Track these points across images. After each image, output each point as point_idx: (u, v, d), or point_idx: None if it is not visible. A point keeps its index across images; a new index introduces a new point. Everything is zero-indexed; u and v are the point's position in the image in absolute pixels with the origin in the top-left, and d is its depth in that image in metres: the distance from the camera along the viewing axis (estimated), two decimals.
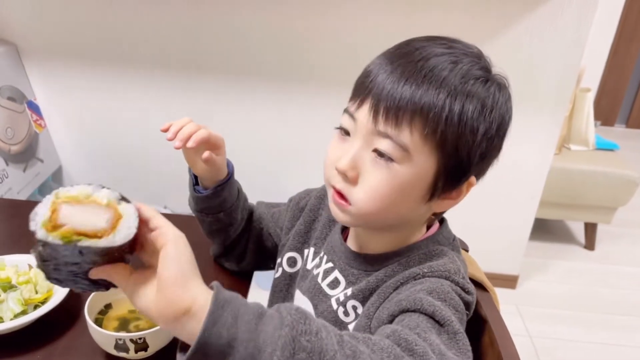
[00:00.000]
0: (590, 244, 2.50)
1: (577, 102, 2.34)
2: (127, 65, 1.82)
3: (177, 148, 0.72)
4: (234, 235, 0.85)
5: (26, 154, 1.82)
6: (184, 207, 1.06)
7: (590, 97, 2.35)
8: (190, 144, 0.71)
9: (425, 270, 0.61)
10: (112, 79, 1.85)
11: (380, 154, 0.59)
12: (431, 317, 0.55)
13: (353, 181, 0.61)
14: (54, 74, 1.85)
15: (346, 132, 0.62)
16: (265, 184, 1.60)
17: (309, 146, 1.82)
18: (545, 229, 2.59)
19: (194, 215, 0.86)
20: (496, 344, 0.62)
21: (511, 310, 2.08)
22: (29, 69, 1.85)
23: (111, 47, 1.79)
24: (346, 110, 0.63)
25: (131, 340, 0.65)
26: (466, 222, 1.94)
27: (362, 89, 0.61)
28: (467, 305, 0.61)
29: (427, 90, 0.56)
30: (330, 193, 0.65)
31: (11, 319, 0.70)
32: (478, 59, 0.61)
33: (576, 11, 1.62)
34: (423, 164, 0.59)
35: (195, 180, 0.81)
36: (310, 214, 0.81)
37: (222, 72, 1.79)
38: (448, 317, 0.55)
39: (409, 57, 0.59)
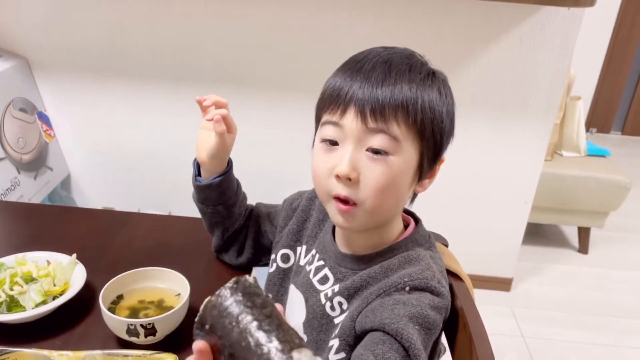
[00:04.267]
0: (583, 248, 2.56)
1: (568, 109, 2.41)
2: (133, 77, 1.90)
3: (209, 120, 0.82)
4: (232, 229, 0.92)
5: (37, 163, 1.90)
6: (188, 213, 1.14)
7: (581, 105, 2.42)
8: (208, 116, 0.81)
9: (406, 280, 0.68)
10: (119, 90, 1.92)
11: (375, 151, 0.66)
12: (406, 350, 0.62)
13: (355, 182, 0.67)
14: (63, 86, 1.93)
15: (332, 143, 0.69)
16: (262, 187, 1.67)
17: (301, 151, 1.90)
18: (539, 234, 2.66)
19: (195, 217, 0.93)
20: (468, 327, 0.69)
21: (505, 312, 2.14)
22: (39, 81, 1.93)
23: (118, 60, 1.86)
24: (326, 122, 0.69)
25: (141, 325, 0.72)
26: (461, 226, 2.02)
27: (339, 99, 0.67)
28: (445, 310, 0.70)
29: (402, 88, 0.66)
30: (333, 206, 0.69)
31: (33, 308, 0.77)
32: (418, 57, 0.72)
33: (563, 21, 1.69)
34: (410, 151, 0.67)
35: (198, 173, 0.89)
36: (302, 214, 0.89)
37: (227, 82, 1.86)
38: (419, 353, 0.63)
39: (372, 64, 0.68)
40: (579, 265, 2.48)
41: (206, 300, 0.46)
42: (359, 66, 0.68)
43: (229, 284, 0.46)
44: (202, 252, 0.99)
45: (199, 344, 0.45)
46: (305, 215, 0.88)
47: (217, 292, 0.46)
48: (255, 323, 0.42)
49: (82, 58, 1.88)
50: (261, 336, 0.42)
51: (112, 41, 1.84)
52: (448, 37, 1.74)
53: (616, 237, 2.70)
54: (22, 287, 0.78)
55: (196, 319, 0.46)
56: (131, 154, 2.04)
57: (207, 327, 0.45)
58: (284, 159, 1.94)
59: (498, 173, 1.97)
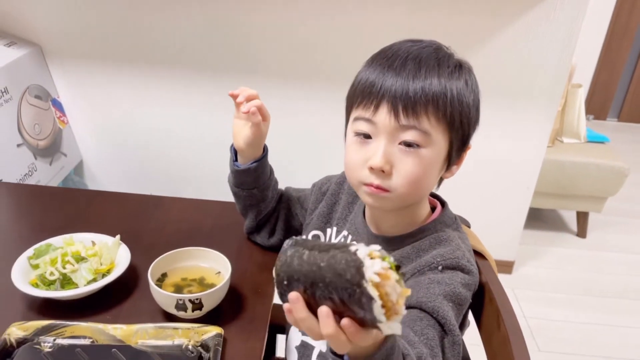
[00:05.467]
0: (582, 232, 2.63)
1: (569, 97, 2.46)
2: (145, 64, 1.93)
3: (245, 112, 0.84)
4: (265, 211, 0.97)
5: (52, 149, 1.93)
6: (198, 196, 1.19)
7: (582, 92, 2.47)
8: (244, 109, 0.84)
9: (439, 260, 0.74)
10: (130, 77, 1.96)
11: (408, 144, 0.71)
12: (442, 325, 0.68)
13: (388, 174, 0.72)
14: (76, 73, 1.96)
15: (365, 136, 0.73)
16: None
17: (318, 139, 1.95)
18: (539, 218, 2.73)
19: (223, 200, 0.97)
20: (494, 302, 0.75)
21: (507, 294, 2.20)
22: (53, 69, 1.95)
23: (130, 47, 1.90)
24: (360, 118, 0.73)
25: (190, 300, 0.77)
26: (466, 211, 2.07)
27: (372, 96, 0.71)
28: (474, 286, 0.76)
29: (432, 82, 0.70)
30: (366, 190, 0.74)
31: (84, 285, 0.82)
32: (445, 49, 0.76)
33: (568, 11, 1.73)
34: (440, 142, 0.72)
35: (235, 158, 0.93)
36: (332, 198, 0.94)
37: (236, 71, 1.90)
38: (454, 328, 0.69)
39: (403, 60, 0.71)
40: (578, 248, 2.56)
41: (274, 266, 0.52)
42: (390, 62, 0.72)
43: (287, 243, 0.53)
44: (233, 233, 1.04)
45: (292, 295, 0.50)
46: (335, 198, 0.93)
47: (278, 256, 0.52)
48: (315, 251, 0.49)
49: (95, 45, 1.91)
50: (323, 253, 0.48)
51: (125, 28, 1.86)
52: (455, 24, 1.78)
53: (614, 222, 2.78)
54: (73, 265, 0.83)
55: (275, 285, 0.52)
56: (142, 139, 2.08)
57: (285, 283, 0.51)
58: (296, 145, 1.99)
59: (502, 159, 2.03)
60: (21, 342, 0.75)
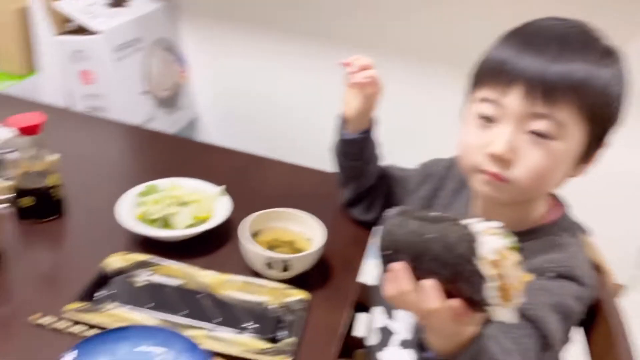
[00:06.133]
0: None
1: None
2: (275, 31, 1.94)
3: (354, 85, 0.82)
4: (367, 184, 0.94)
5: (171, 101, 2.03)
6: (311, 164, 1.18)
7: None
8: (357, 79, 0.81)
9: (551, 265, 0.66)
10: (258, 42, 1.97)
11: (538, 134, 0.63)
12: (544, 337, 0.61)
13: (508, 163, 0.64)
14: (204, 32, 2.03)
15: (489, 120, 0.66)
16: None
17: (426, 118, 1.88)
18: None
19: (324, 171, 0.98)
20: (607, 321, 0.67)
21: None
22: (184, 25, 2.04)
23: (263, 13, 1.91)
24: (486, 99, 0.66)
25: (281, 260, 0.77)
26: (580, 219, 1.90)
27: (503, 76, 0.64)
28: (587, 300, 0.68)
29: (576, 67, 0.61)
30: (481, 178, 0.67)
31: (183, 229, 0.85)
32: (594, 31, 0.66)
33: None
34: (576, 136, 0.64)
35: (342, 127, 0.91)
36: (437, 182, 0.89)
37: (363, 44, 1.86)
38: (556, 343, 0.62)
39: (544, 39, 0.63)
40: None
41: (380, 234, 0.49)
42: (528, 40, 0.64)
43: (392, 211, 0.50)
44: (329, 204, 1.01)
45: (397, 265, 0.47)
46: (440, 183, 0.88)
47: (382, 223, 0.49)
48: (425, 222, 0.46)
49: (229, 7, 1.95)
50: (433, 224, 0.45)
51: None
52: (600, 18, 1.59)
53: None
54: (175, 208, 0.85)
55: (379, 255, 0.50)
56: (260, 104, 2.11)
57: (389, 252, 0.48)
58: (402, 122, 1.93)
59: (622, 174, 1.80)
60: (116, 274, 0.79)
